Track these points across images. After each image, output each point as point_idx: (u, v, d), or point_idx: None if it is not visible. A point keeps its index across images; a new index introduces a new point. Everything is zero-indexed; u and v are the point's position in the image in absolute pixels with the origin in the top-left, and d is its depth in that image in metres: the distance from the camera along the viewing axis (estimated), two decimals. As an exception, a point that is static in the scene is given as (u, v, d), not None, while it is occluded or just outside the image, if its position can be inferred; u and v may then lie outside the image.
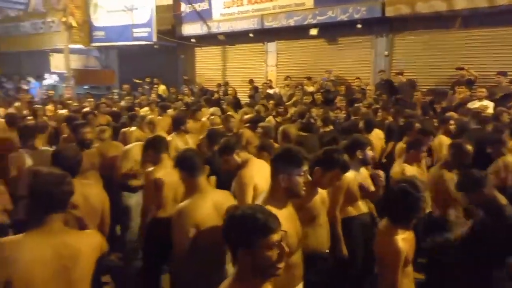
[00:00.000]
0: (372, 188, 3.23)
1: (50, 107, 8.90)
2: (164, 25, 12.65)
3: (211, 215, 2.39)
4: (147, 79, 12.81)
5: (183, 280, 2.43)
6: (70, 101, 10.05)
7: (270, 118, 6.89)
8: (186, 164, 2.55)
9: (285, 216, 2.06)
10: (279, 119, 7.13)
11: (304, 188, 2.14)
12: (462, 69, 8.25)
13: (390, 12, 9.05)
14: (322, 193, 2.77)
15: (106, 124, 5.88)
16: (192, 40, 12.86)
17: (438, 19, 8.81)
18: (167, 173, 3.32)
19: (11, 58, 18.34)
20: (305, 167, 2.14)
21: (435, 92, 8.52)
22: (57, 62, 14.23)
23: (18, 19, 15.70)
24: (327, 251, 2.83)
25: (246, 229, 1.45)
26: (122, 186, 4.33)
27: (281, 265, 1.48)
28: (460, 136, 4.68)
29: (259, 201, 2.17)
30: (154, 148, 3.48)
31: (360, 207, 3.29)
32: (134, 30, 12.52)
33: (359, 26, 9.66)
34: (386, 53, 9.92)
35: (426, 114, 6.77)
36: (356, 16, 9.52)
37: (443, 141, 4.80)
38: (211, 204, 2.45)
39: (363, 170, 3.40)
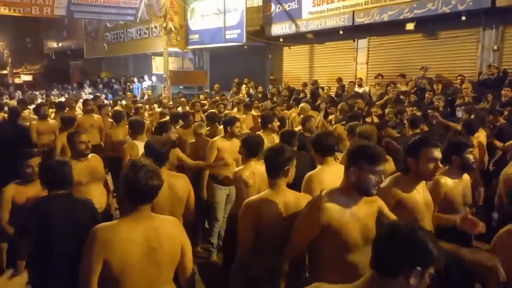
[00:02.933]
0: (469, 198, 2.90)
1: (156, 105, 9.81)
2: (253, 26, 12.95)
3: (277, 213, 2.37)
4: (236, 80, 13.25)
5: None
6: (165, 101, 10.89)
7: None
8: (269, 165, 2.53)
9: (351, 212, 2.09)
10: (369, 119, 6.80)
11: (376, 188, 2.08)
12: None
13: (501, 1, 8.03)
14: (426, 195, 2.56)
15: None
16: (281, 39, 12.95)
17: None
18: (252, 172, 3.37)
19: (119, 62, 20.55)
20: (381, 167, 2.06)
21: None
22: (158, 65, 15.49)
23: (126, 26, 17.44)
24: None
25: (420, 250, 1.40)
26: (212, 178, 4.53)
27: None
28: None
29: (328, 189, 2.18)
30: (246, 147, 3.51)
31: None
32: (226, 32, 13.03)
33: (463, 18, 8.74)
34: (495, 47, 8.83)
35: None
36: (461, 7, 8.62)
37: None
38: (281, 203, 2.40)
39: (466, 177, 3.02)
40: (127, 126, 5.24)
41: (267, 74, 14.06)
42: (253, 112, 7.78)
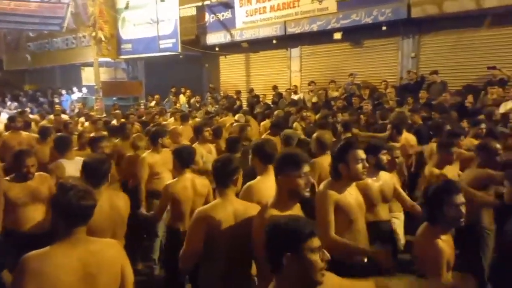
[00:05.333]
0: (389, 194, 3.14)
1: (82, 119, 9.25)
2: (188, 35, 12.88)
3: (228, 221, 2.37)
4: (173, 89, 13.05)
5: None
6: (93, 113, 10.38)
7: (296, 124, 6.83)
8: (218, 174, 2.54)
9: None
10: (304, 124, 7.07)
11: (308, 190, 2.15)
12: (494, 68, 7.90)
13: (416, 13, 8.84)
14: (357, 196, 2.70)
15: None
16: (216, 49, 13.02)
17: (466, 18, 8.52)
18: (185, 186, 3.35)
19: (45, 74, 19.23)
20: (306, 169, 2.15)
21: (468, 90, 8.20)
22: (88, 75, 14.74)
23: (51, 35, 16.41)
24: (366, 260, 2.73)
25: (292, 233, 1.47)
26: (150, 193, 4.43)
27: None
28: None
29: (267, 205, 2.20)
30: (177, 159, 3.49)
31: (378, 213, 3.17)
32: (160, 41, 12.81)
33: (384, 28, 9.48)
34: (413, 54, 9.67)
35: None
36: (381, 18, 9.35)
37: (471, 143, 4.61)
38: (231, 211, 2.42)
39: (383, 175, 3.27)
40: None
41: (204, 83, 14.03)
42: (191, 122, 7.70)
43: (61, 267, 1.84)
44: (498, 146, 3.41)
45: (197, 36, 13.15)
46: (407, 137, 5.31)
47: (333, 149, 2.76)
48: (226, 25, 12.46)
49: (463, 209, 2.19)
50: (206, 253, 2.35)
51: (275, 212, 2.12)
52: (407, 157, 5.10)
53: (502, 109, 6.55)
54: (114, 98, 14.41)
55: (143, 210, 4.18)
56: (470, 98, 7.44)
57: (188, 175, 3.44)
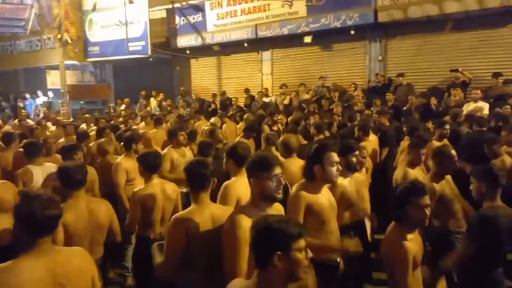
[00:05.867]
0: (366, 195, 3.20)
1: (49, 124, 8.93)
2: (158, 38, 12.72)
3: (206, 226, 2.35)
4: (143, 93, 12.83)
5: None
6: (60, 118, 10.05)
7: (265, 127, 6.89)
8: (192, 179, 2.49)
9: None
10: (275, 127, 7.13)
11: (279, 192, 2.19)
12: (456, 71, 8.27)
13: (383, 17, 9.12)
14: (329, 197, 2.74)
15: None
16: (187, 51, 12.92)
17: (430, 23, 8.86)
18: (154, 192, 3.30)
19: (8, 77, 18.40)
20: (277, 171, 2.18)
21: (433, 92, 8.53)
22: (54, 79, 14.30)
23: (14, 37, 15.76)
24: (338, 259, 2.78)
25: (283, 234, 1.56)
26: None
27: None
28: (454, 140, 4.65)
29: (239, 208, 2.24)
30: (144, 165, 3.41)
31: (357, 213, 3.24)
32: (129, 44, 12.57)
33: (352, 32, 9.71)
34: (380, 58, 9.96)
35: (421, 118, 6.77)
36: (349, 22, 9.58)
37: (435, 147, 4.78)
38: (208, 216, 2.39)
39: (357, 176, 3.36)
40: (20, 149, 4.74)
41: (175, 86, 13.88)
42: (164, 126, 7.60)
43: (28, 280, 1.77)
44: (453, 152, 3.47)
45: (168, 39, 13.00)
46: (374, 138, 5.47)
47: (307, 151, 2.79)
48: (197, 28, 12.39)
49: (427, 211, 2.26)
50: (185, 259, 2.31)
51: (245, 217, 2.12)
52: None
53: (464, 110, 6.86)
54: (81, 102, 14.01)
55: None
56: (433, 100, 7.75)
57: (156, 181, 3.38)
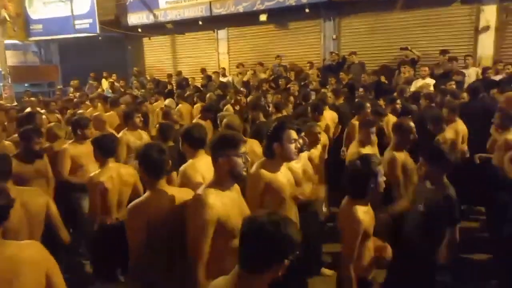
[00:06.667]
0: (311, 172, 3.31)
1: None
2: (107, 16, 12.08)
3: (166, 212, 2.30)
4: (92, 74, 12.19)
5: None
6: (2, 102, 9.37)
7: (228, 106, 6.82)
8: (149, 165, 2.39)
9: (230, 199, 2.17)
10: (237, 107, 7.08)
11: (245, 169, 2.21)
12: (406, 49, 8.59)
13: (336, -4, 9.23)
14: (289, 176, 2.78)
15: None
16: (139, 30, 12.39)
17: (382, 2, 9.08)
18: (110, 176, 3.19)
19: None
20: (244, 148, 2.20)
21: (384, 70, 8.83)
22: (-8, 59, 13.17)
23: None
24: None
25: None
26: (76, 187, 4.13)
27: None
28: (405, 115, 4.86)
29: (203, 187, 2.20)
30: (100, 149, 3.29)
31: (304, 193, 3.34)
32: (75, 21, 11.83)
33: (307, 10, 9.74)
34: (334, 36, 10.11)
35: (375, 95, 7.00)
36: (304, 1, 9.60)
37: (391, 120, 5.00)
38: (167, 200, 2.35)
39: (303, 156, 3.41)
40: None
41: (128, 67, 13.33)
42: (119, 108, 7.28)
43: None
44: (411, 124, 3.65)
45: (117, 16, 12.39)
46: (329, 116, 5.60)
47: (267, 128, 2.80)
48: (149, 5, 11.88)
49: (382, 182, 2.39)
50: (147, 246, 2.26)
51: (212, 191, 2.13)
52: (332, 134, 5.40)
53: (413, 87, 7.17)
54: (26, 85, 13.09)
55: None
56: (382, 78, 8.02)
57: (112, 165, 3.27)
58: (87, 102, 8.16)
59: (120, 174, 3.27)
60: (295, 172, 3.14)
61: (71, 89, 11.58)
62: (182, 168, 2.89)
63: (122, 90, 10.66)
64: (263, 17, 10.29)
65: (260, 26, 10.84)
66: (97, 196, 3.17)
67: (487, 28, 8.39)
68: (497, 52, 8.35)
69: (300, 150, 3.20)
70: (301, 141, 2.98)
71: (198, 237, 2.07)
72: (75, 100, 8.66)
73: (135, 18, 12.22)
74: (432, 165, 2.83)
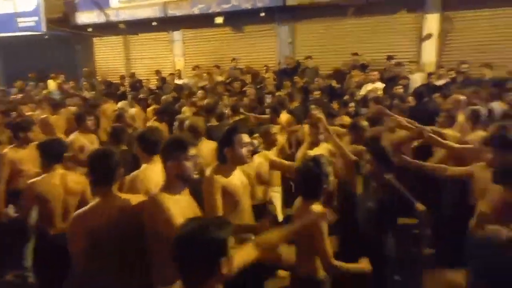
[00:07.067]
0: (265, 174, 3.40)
1: None
2: (54, 14, 11.50)
3: (113, 219, 2.22)
4: (31, 75, 11.50)
5: None
6: None
7: (186, 108, 6.72)
8: (96, 171, 2.32)
9: (182, 202, 2.16)
10: (194, 109, 6.99)
11: (196, 172, 2.21)
12: (356, 54, 8.94)
13: (291, 1, 9.39)
14: (242, 178, 2.78)
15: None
16: (89, 29, 11.90)
17: (335, 8, 9.37)
18: (54, 184, 3.03)
19: None
20: (194, 151, 2.20)
21: (337, 74, 9.11)
22: None
23: None
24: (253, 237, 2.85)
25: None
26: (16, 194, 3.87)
27: None
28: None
29: (156, 192, 2.18)
30: (45, 154, 3.11)
31: (256, 195, 3.36)
32: (19, 19, 11.15)
33: (262, 14, 9.85)
34: (289, 40, 10.30)
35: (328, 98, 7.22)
36: (259, 4, 9.70)
37: (346, 120, 5.20)
38: (115, 209, 2.26)
39: (257, 157, 3.39)
40: None
41: (78, 67, 12.75)
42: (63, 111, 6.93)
43: None
44: (365, 123, 3.99)
45: (66, 14, 11.83)
46: (285, 119, 5.70)
47: (218, 132, 2.79)
48: (100, 4, 11.44)
49: (331, 179, 2.47)
50: (96, 254, 2.18)
51: (166, 195, 2.11)
52: (289, 135, 5.49)
53: (363, 90, 7.47)
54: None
55: (9, 211, 3.66)
56: (334, 82, 8.30)
57: (59, 171, 3.10)
58: (30, 104, 7.68)
59: (65, 181, 3.10)
60: (247, 174, 3.16)
61: (16, 90, 10.87)
62: (131, 175, 2.81)
63: (72, 91, 10.16)
64: (219, 20, 10.26)
65: (216, 28, 10.80)
66: (30, 203, 3.02)
67: (430, 35, 8.92)
68: (439, 58, 8.90)
69: (255, 152, 3.23)
70: (255, 141, 3.00)
71: (159, 240, 2.04)
72: (12, 100, 8.18)
73: (85, 17, 11.74)
74: (376, 164, 2.93)
